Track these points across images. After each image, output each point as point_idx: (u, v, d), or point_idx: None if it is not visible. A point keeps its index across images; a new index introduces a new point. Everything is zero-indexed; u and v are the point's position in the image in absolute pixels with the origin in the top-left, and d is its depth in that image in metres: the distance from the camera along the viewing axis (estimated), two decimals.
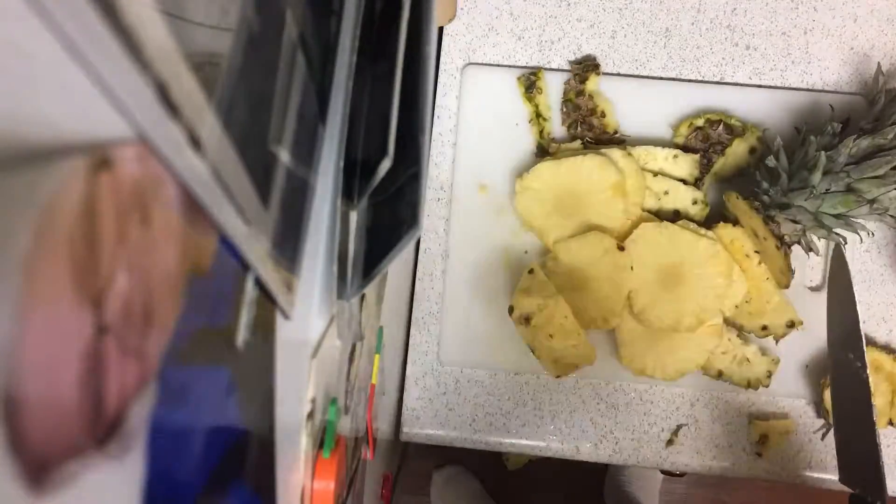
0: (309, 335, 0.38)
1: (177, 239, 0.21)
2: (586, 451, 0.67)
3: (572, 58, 0.69)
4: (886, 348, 0.66)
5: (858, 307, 0.60)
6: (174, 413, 0.22)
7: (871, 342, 0.66)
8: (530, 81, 0.66)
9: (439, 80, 0.70)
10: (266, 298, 0.30)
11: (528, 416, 0.67)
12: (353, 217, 0.40)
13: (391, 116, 0.33)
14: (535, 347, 0.62)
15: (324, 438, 0.40)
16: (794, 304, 0.64)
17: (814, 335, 0.65)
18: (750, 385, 0.64)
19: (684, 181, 0.64)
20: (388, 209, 0.40)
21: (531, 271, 0.63)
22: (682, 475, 1.27)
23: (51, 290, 0.15)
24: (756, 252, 0.61)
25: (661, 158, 0.64)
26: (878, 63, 0.64)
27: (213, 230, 0.23)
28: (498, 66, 0.69)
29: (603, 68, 0.68)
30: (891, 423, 0.64)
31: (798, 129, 0.62)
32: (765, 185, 0.60)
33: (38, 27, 0.14)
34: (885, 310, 0.66)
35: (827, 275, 0.64)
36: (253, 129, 0.27)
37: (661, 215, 0.65)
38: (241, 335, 0.28)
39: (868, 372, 0.58)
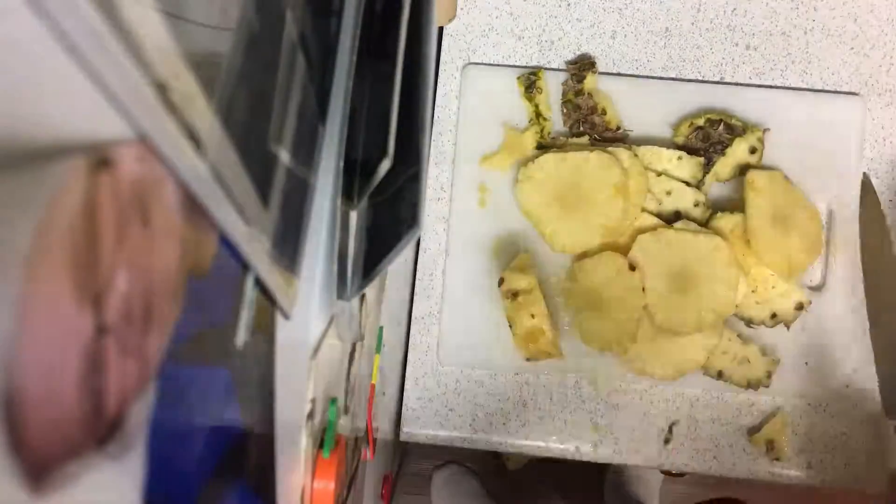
0: (309, 335, 0.38)
1: (177, 239, 0.21)
2: (586, 451, 0.67)
3: (572, 58, 0.69)
4: None
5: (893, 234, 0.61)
6: (174, 413, 0.22)
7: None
8: (530, 81, 0.67)
9: (439, 80, 0.69)
10: (266, 298, 0.30)
11: (528, 416, 0.67)
12: (353, 217, 0.40)
13: (391, 116, 0.33)
14: (514, 323, 0.64)
15: (324, 438, 0.40)
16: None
17: (814, 334, 0.65)
18: (750, 385, 0.64)
19: (687, 183, 0.64)
20: (388, 209, 0.40)
21: (526, 251, 0.64)
22: (682, 475, 1.27)
23: (51, 290, 0.15)
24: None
25: (666, 159, 0.64)
26: None
27: (213, 230, 0.23)
28: (498, 66, 0.69)
29: (603, 68, 0.68)
30: None
31: None
32: None
33: (38, 27, 0.14)
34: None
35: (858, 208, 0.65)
36: (253, 129, 0.27)
37: (662, 216, 0.65)
38: (241, 335, 0.28)
39: None
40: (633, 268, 0.62)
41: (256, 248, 0.27)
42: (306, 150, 0.35)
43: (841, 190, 0.66)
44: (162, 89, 0.18)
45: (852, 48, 0.68)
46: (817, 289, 0.66)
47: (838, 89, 0.68)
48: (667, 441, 0.66)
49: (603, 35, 0.69)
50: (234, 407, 0.28)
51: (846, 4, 0.68)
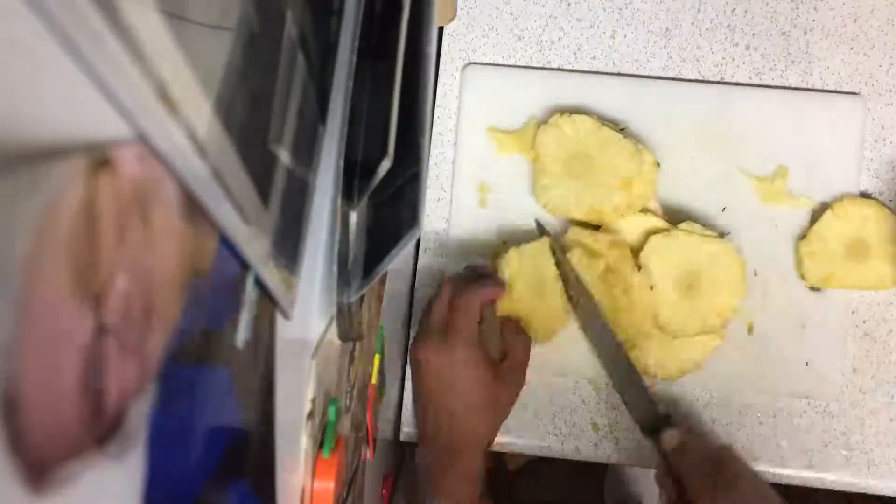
0: (309, 335, 0.38)
1: (177, 239, 0.21)
2: (586, 451, 0.67)
3: (572, 58, 0.69)
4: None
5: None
6: (174, 413, 0.22)
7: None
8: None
9: (439, 80, 0.69)
10: (266, 298, 0.30)
11: (528, 416, 0.67)
12: (353, 217, 0.40)
13: (391, 116, 0.33)
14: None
15: (324, 438, 0.40)
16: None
17: (815, 333, 0.65)
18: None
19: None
20: (388, 209, 0.40)
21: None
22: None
23: (51, 290, 0.15)
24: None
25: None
26: None
27: (213, 230, 0.23)
28: (498, 65, 0.69)
29: (603, 68, 0.68)
30: None
31: None
32: None
33: (38, 27, 0.14)
34: (885, 309, 0.66)
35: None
36: (253, 129, 0.27)
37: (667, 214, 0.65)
38: (241, 335, 0.28)
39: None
40: (639, 267, 0.62)
41: (256, 248, 0.27)
42: (306, 150, 0.35)
43: (841, 190, 0.66)
44: (162, 89, 0.18)
45: (852, 48, 0.68)
46: (817, 289, 0.66)
47: (838, 89, 0.68)
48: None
49: (603, 35, 0.69)
50: (234, 407, 0.28)
51: (846, 4, 0.68)
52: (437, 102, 0.69)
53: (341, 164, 0.36)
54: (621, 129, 0.66)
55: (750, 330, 0.65)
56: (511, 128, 0.67)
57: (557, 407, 0.67)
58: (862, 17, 0.68)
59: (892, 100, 0.67)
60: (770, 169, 0.66)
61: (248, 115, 0.25)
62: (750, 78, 0.68)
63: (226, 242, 0.25)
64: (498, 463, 1.30)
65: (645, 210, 0.65)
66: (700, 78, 0.68)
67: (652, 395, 0.61)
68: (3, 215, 0.13)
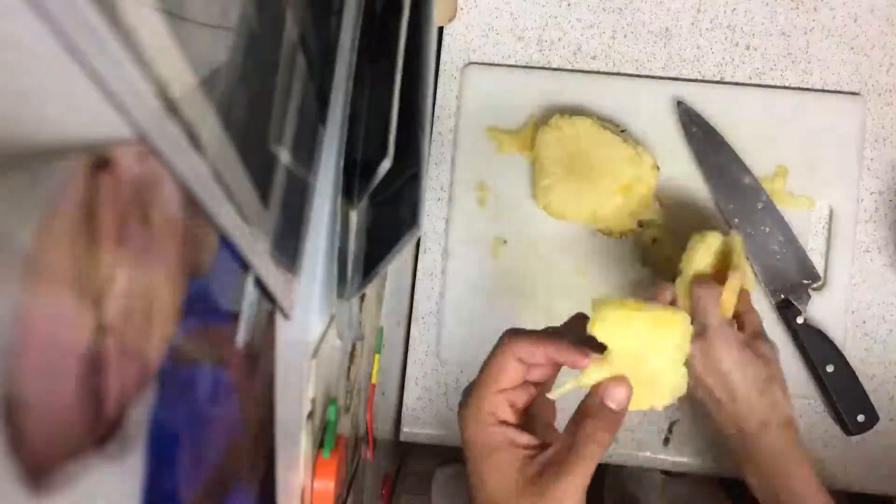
0: (309, 335, 0.38)
1: (177, 239, 0.21)
2: None
3: (572, 58, 0.68)
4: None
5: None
6: (174, 413, 0.22)
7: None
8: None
9: (439, 80, 0.69)
10: (266, 298, 0.30)
11: None
12: (353, 217, 0.40)
13: (391, 116, 0.33)
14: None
15: (324, 438, 0.40)
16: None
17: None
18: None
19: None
20: (388, 209, 0.40)
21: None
22: (682, 475, 1.27)
23: (51, 290, 0.15)
24: None
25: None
26: None
27: (213, 230, 0.23)
28: (498, 65, 0.69)
29: (603, 68, 0.68)
30: None
31: None
32: None
33: (38, 27, 0.14)
34: (885, 309, 0.66)
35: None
36: (253, 129, 0.27)
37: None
38: (241, 335, 0.28)
39: None
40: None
41: (256, 248, 0.27)
42: (306, 150, 0.35)
43: (841, 190, 0.66)
44: (162, 89, 0.18)
45: (852, 48, 0.68)
46: (817, 289, 0.66)
47: (838, 89, 0.68)
48: (667, 441, 0.66)
49: (603, 35, 0.69)
50: (234, 407, 0.28)
51: (846, 4, 0.68)
52: (437, 102, 0.69)
53: (341, 163, 0.36)
54: (622, 130, 0.66)
55: None
56: (511, 128, 0.67)
57: (557, 407, 0.67)
58: (862, 17, 0.68)
59: (892, 100, 0.67)
60: (770, 169, 0.66)
61: (248, 115, 0.25)
62: (750, 78, 0.68)
63: (226, 242, 0.25)
64: None
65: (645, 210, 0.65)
66: (700, 78, 0.68)
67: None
68: (3, 215, 0.13)
